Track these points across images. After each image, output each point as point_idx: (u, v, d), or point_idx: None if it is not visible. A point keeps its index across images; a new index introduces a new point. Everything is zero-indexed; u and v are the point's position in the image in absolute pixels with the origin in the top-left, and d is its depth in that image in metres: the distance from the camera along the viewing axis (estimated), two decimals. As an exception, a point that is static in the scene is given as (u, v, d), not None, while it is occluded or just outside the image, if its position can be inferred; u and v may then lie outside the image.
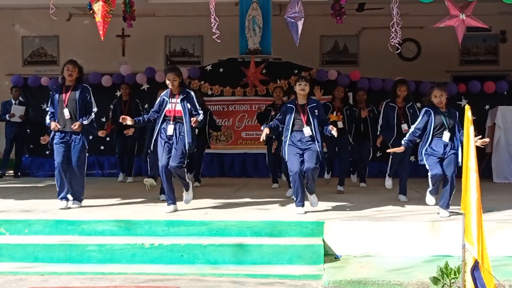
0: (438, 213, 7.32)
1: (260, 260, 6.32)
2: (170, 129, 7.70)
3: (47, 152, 13.43)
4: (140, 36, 15.85)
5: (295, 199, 7.72)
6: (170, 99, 7.81)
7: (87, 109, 8.10)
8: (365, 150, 10.73)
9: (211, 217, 7.21)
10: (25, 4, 14.04)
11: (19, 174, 13.26)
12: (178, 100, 7.76)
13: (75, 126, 7.94)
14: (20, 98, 13.25)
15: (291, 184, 7.98)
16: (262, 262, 6.30)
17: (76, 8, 15.39)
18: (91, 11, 7.29)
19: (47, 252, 6.43)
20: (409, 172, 9.06)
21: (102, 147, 12.94)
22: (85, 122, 8.03)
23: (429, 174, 7.47)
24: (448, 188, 7.34)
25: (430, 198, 7.64)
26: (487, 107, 12.78)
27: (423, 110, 7.62)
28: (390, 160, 9.03)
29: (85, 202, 8.49)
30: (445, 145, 7.40)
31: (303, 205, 7.62)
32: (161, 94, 7.98)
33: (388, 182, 9.15)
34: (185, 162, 7.86)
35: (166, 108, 7.77)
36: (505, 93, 13.03)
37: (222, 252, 6.37)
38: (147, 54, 16.02)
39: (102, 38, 7.17)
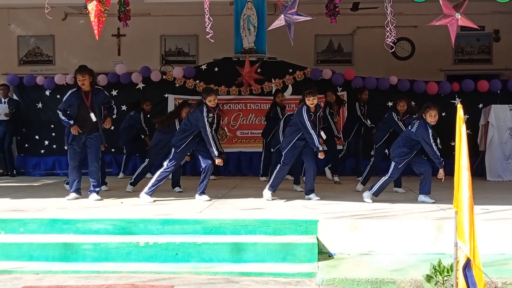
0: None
1: (254, 258, 6.33)
2: None
3: (42, 151, 13.50)
4: (135, 36, 15.87)
5: (270, 182, 8.86)
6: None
7: (109, 106, 9.03)
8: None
9: (205, 215, 7.23)
10: (20, 3, 14.03)
11: (15, 172, 13.27)
12: None
13: (108, 124, 8.94)
14: (14, 96, 13.26)
15: (276, 171, 8.89)
16: (257, 260, 6.31)
17: (72, 8, 15.41)
18: (87, 11, 7.31)
19: (42, 250, 6.44)
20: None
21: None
22: (114, 117, 9.12)
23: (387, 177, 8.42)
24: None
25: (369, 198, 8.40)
26: (480, 105, 12.83)
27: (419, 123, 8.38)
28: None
29: (80, 201, 8.58)
30: None
31: (273, 192, 8.79)
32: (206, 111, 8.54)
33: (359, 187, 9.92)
34: None
35: None
36: (498, 91, 13.08)
37: (217, 250, 6.38)
38: (142, 53, 16.03)
39: (97, 37, 7.19)
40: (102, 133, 8.92)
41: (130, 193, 9.43)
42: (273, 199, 8.68)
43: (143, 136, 12.21)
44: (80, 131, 8.71)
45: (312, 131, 8.54)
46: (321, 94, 11.46)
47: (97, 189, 8.87)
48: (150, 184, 8.62)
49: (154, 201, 8.49)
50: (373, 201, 8.25)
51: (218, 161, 8.53)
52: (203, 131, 8.46)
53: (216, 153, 8.48)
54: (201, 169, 8.76)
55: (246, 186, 10.87)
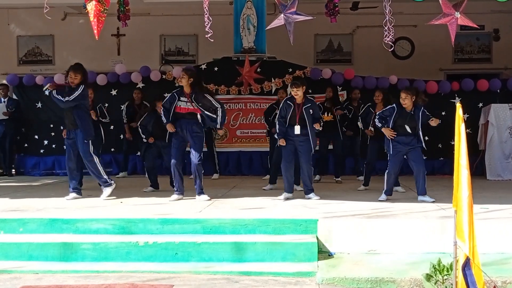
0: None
1: (254, 257, 6.33)
2: None
3: (42, 151, 13.50)
4: (135, 35, 15.87)
5: (285, 184, 8.87)
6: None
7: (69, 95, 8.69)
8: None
9: (205, 215, 7.23)
10: (20, 3, 14.05)
11: (13, 172, 13.27)
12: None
13: (48, 85, 8.74)
14: (14, 96, 13.28)
15: (282, 171, 8.93)
16: (256, 260, 6.30)
17: (71, 7, 15.41)
18: (86, 11, 7.30)
19: (41, 250, 6.43)
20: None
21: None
22: (55, 94, 8.58)
23: (387, 171, 8.56)
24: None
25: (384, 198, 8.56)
26: (480, 105, 12.84)
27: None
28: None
29: (79, 201, 8.59)
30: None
31: (288, 192, 8.81)
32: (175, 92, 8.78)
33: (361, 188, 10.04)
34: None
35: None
36: (498, 91, 13.10)
37: (217, 250, 6.37)
38: (142, 53, 16.02)
39: (96, 37, 7.19)
40: (85, 126, 8.76)
41: (129, 193, 9.40)
42: (273, 199, 8.69)
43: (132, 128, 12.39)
44: (65, 135, 8.93)
45: (277, 120, 8.80)
46: (322, 93, 11.52)
47: (102, 184, 8.89)
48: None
49: (179, 199, 8.74)
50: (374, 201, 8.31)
51: (167, 127, 8.69)
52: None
53: (164, 120, 8.65)
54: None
55: (246, 185, 10.86)
